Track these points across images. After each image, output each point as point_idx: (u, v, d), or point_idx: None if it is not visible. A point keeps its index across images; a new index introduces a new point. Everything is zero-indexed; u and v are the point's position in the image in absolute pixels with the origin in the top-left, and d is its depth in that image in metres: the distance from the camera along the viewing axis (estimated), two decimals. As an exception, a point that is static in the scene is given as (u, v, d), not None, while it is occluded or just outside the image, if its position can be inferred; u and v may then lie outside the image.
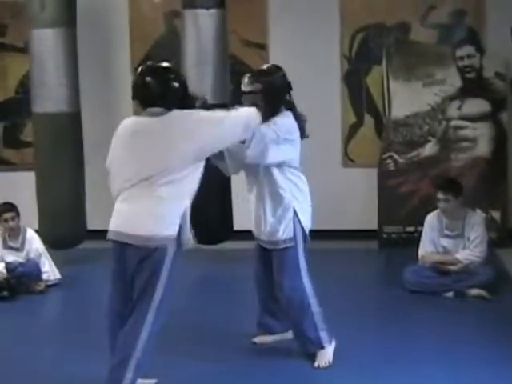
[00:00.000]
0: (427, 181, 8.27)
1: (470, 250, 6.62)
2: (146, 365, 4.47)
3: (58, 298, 7.11)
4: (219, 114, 4.53)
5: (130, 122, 4.61)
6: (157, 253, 4.37)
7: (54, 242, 7.81)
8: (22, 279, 7.01)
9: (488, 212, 8.25)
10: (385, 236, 8.43)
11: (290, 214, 5.03)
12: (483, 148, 8.31)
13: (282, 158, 4.95)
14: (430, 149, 8.40)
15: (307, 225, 5.11)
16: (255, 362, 5.19)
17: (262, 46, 8.80)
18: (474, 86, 8.34)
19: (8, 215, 7.08)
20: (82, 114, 8.05)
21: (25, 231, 7.23)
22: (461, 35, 8.59)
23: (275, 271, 5.15)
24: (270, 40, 8.78)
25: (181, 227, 4.39)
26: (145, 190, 4.40)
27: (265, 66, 5.29)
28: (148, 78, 4.49)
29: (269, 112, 4.93)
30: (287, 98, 5.10)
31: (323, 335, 5.10)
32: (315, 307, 5.08)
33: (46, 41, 7.71)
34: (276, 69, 5.15)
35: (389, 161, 8.43)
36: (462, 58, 8.37)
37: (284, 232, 5.03)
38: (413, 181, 8.39)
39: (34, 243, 7.23)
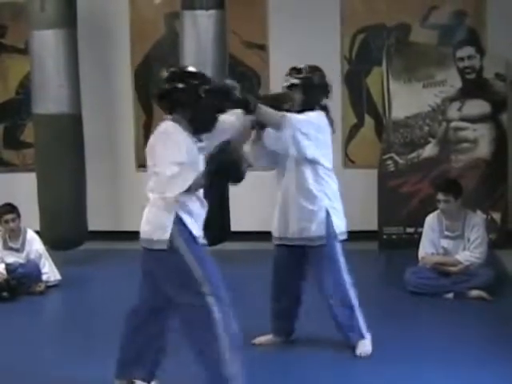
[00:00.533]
0: (427, 182, 8.28)
1: (470, 251, 6.62)
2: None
3: (57, 298, 7.11)
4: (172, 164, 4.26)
5: None
6: (168, 256, 4.36)
7: (55, 242, 7.82)
8: (22, 280, 7.00)
9: (488, 213, 8.26)
10: (385, 237, 8.44)
11: (322, 212, 5.10)
12: (483, 149, 8.32)
13: (313, 153, 5.01)
14: (430, 150, 8.41)
15: (338, 224, 5.18)
16: (255, 363, 5.18)
17: (262, 47, 8.82)
18: (474, 87, 8.35)
19: (9, 216, 7.08)
20: (83, 114, 8.06)
21: (25, 232, 7.23)
22: (461, 36, 8.61)
23: (314, 271, 5.22)
24: (270, 41, 8.80)
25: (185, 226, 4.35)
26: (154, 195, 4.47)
27: (306, 65, 5.25)
28: (164, 84, 4.43)
29: (303, 108, 5.05)
30: (324, 99, 5.18)
31: (362, 325, 5.22)
32: (354, 300, 5.19)
33: (47, 42, 7.73)
34: (316, 68, 5.21)
35: (389, 162, 8.44)
36: (462, 59, 8.38)
37: (316, 229, 5.09)
38: (413, 182, 8.40)
39: (35, 244, 7.23)
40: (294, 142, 4.94)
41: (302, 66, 5.18)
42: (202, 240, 4.41)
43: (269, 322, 5.49)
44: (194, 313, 4.31)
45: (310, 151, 5.00)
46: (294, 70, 5.16)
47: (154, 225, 4.41)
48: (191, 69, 4.55)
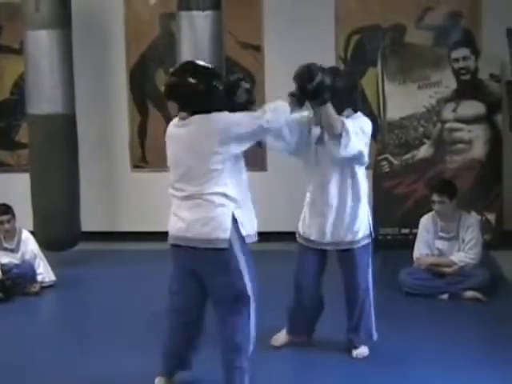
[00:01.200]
0: (422, 183, 8.29)
1: (464, 252, 6.63)
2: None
3: (52, 299, 7.11)
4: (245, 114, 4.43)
5: (170, 125, 4.59)
6: (223, 254, 4.41)
7: (48, 243, 7.79)
8: (17, 281, 6.99)
9: (483, 214, 8.26)
10: (380, 238, 8.41)
11: (366, 212, 5.16)
12: (478, 150, 8.33)
13: (367, 157, 5.00)
14: (425, 151, 8.42)
15: (371, 222, 5.24)
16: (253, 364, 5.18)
17: (257, 48, 8.81)
18: (469, 88, 8.36)
19: (4, 218, 7.07)
20: (77, 115, 8.04)
21: (20, 232, 7.22)
22: (456, 37, 8.60)
23: (350, 272, 5.20)
24: (265, 42, 8.79)
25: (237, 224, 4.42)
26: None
27: (326, 67, 4.99)
28: (174, 78, 4.46)
29: None
30: (352, 99, 5.04)
31: (373, 328, 5.29)
32: (371, 303, 5.26)
33: (41, 42, 7.69)
34: (337, 71, 5.12)
35: (384, 163, 8.44)
36: (457, 60, 8.39)
37: (363, 231, 5.14)
38: (408, 183, 8.40)
39: (30, 245, 7.21)
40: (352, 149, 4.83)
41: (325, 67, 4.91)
42: (249, 238, 4.49)
43: (286, 322, 5.45)
44: (234, 307, 4.44)
45: (366, 157, 4.98)
46: None
47: (213, 223, 4.37)
48: (202, 63, 4.56)
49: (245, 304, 4.44)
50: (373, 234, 5.27)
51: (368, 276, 5.23)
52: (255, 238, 4.54)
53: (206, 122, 4.36)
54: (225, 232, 4.35)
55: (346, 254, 5.18)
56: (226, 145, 4.32)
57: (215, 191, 4.35)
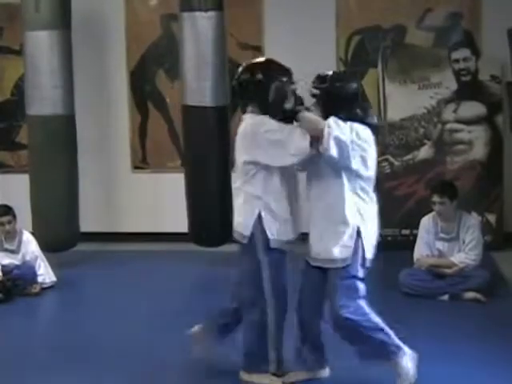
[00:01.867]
0: (423, 184, 8.28)
1: (465, 253, 6.63)
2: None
3: (53, 300, 7.11)
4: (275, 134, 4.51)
5: None
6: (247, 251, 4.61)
7: (48, 244, 7.78)
8: (18, 282, 7.00)
9: (483, 215, 8.26)
10: (380, 239, 8.39)
11: (351, 232, 4.59)
12: (478, 151, 8.33)
13: (356, 163, 4.59)
14: (425, 152, 8.42)
15: (369, 248, 4.70)
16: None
17: (258, 49, 8.81)
18: (469, 88, 8.36)
19: (4, 219, 7.07)
20: (77, 116, 8.04)
21: (21, 234, 7.23)
22: (456, 38, 8.60)
23: (328, 292, 4.71)
24: (266, 42, 8.79)
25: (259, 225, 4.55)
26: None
27: (327, 72, 4.73)
28: (241, 76, 4.67)
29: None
30: (353, 107, 4.64)
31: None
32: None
33: (41, 43, 7.70)
34: (342, 77, 4.90)
35: (384, 164, 8.43)
36: (457, 61, 8.39)
37: (342, 251, 4.58)
38: (408, 184, 8.40)
39: (31, 246, 7.22)
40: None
41: (328, 72, 4.70)
42: (278, 244, 4.57)
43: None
44: (251, 312, 4.62)
45: (356, 163, 4.60)
46: (318, 79, 4.68)
47: (238, 216, 4.62)
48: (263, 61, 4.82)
49: (256, 305, 4.59)
50: (367, 261, 4.71)
51: (352, 301, 4.66)
52: (286, 247, 4.63)
53: (255, 123, 4.53)
54: (245, 228, 4.54)
55: (325, 274, 4.68)
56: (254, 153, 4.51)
57: (248, 187, 4.54)
